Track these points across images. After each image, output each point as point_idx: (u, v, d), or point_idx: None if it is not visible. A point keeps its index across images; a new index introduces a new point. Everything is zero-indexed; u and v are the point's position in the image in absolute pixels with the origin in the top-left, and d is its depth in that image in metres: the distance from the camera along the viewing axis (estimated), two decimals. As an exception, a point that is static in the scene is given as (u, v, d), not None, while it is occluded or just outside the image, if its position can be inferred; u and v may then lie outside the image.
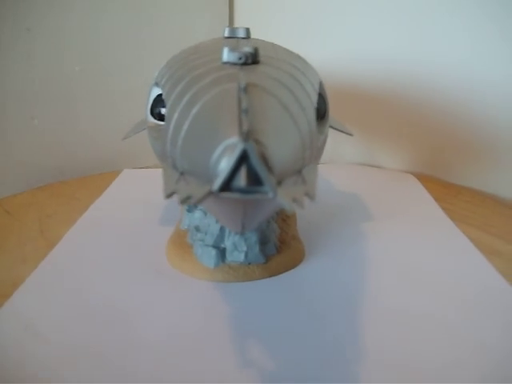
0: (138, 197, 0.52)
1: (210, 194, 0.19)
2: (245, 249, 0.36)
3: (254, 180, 0.19)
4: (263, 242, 0.37)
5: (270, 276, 0.37)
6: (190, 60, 0.30)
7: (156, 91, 0.33)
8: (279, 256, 0.38)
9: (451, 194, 0.53)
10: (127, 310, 0.32)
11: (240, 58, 0.26)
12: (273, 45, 0.36)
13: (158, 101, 0.33)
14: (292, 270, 0.37)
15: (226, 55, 0.26)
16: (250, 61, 0.26)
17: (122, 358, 0.28)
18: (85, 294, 0.34)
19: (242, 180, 0.19)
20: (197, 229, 0.39)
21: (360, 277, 0.36)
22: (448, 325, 0.31)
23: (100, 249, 0.40)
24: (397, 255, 0.39)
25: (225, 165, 0.19)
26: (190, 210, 0.42)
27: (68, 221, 0.46)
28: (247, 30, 0.38)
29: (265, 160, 0.19)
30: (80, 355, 0.28)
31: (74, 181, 0.58)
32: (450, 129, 0.57)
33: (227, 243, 0.36)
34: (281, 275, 0.37)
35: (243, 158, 0.19)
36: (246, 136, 0.19)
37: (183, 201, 0.20)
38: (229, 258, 0.36)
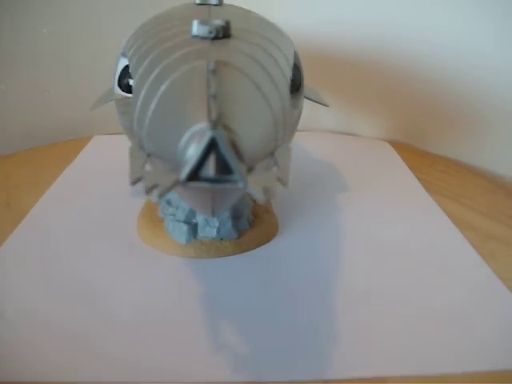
0: (109, 165, 0.50)
1: (177, 183, 0.18)
2: (217, 224, 0.35)
3: (223, 168, 0.18)
4: (236, 216, 0.36)
5: (243, 252, 0.36)
6: (159, 31, 0.28)
7: (123, 62, 0.32)
8: (252, 231, 0.37)
9: (426, 163, 0.52)
10: (98, 287, 0.32)
11: (210, 32, 0.24)
12: (246, 13, 0.34)
13: (126, 72, 0.32)
14: (265, 245, 0.37)
15: (196, 28, 0.25)
16: (221, 35, 0.24)
17: (93, 335, 0.27)
18: (54, 271, 0.33)
19: (210, 169, 0.18)
20: (168, 202, 0.38)
21: (334, 252, 0.36)
22: (421, 300, 0.31)
23: (70, 223, 0.39)
24: (372, 230, 0.39)
25: (192, 152, 0.18)
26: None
27: (36, 191, 0.44)
28: (219, -4, 0.36)
29: (235, 147, 0.18)
30: (51, 333, 0.27)
31: (43, 148, 0.56)
32: (426, 97, 0.56)
33: (199, 219, 0.36)
34: (253, 250, 0.36)
35: (212, 146, 0.18)
36: (215, 123, 0.18)
37: (148, 190, 0.19)
38: (200, 233, 0.36)
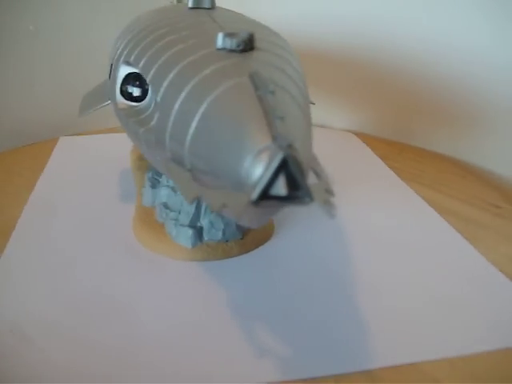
0: (84, 168, 0.50)
1: (250, 203, 0.19)
2: (222, 226, 0.36)
3: (292, 186, 0.19)
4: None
5: (247, 251, 0.37)
6: (171, 41, 0.28)
7: (126, 69, 0.32)
8: (253, 230, 0.38)
9: (395, 152, 0.55)
10: (116, 299, 0.31)
11: (239, 45, 0.24)
12: (243, 17, 0.35)
13: (129, 80, 0.32)
14: (266, 244, 0.38)
15: (222, 41, 0.25)
16: (248, 47, 0.25)
17: (123, 348, 0.27)
18: (65, 286, 0.32)
19: (282, 188, 0.19)
20: (165, 206, 0.38)
21: (331, 246, 0.38)
22: (423, 287, 0.33)
23: (64, 233, 0.38)
24: (361, 221, 0.41)
25: (260, 172, 0.19)
26: (154, 186, 0.40)
27: (16, 200, 0.43)
28: (211, 0, 0.36)
29: (299, 164, 0.19)
30: (80, 348, 0.27)
31: (8, 154, 0.53)
32: (388, 86, 0.59)
33: (204, 222, 0.36)
34: (257, 249, 0.37)
35: (282, 166, 0.18)
36: (283, 143, 0.18)
37: (218, 209, 0.19)
38: (206, 236, 0.36)
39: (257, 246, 0.37)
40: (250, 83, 0.22)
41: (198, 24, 0.30)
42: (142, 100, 0.31)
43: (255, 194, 0.19)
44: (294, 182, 0.19)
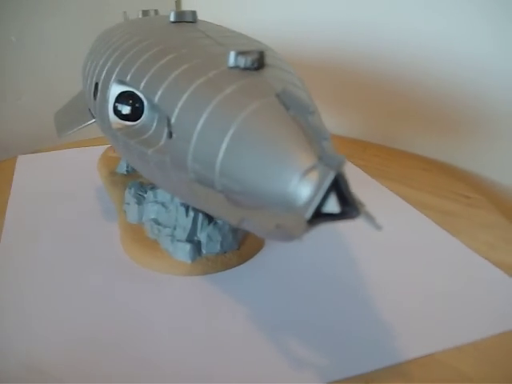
0: (52, 187, 0.48)
1: (305, 222, 0.19)
2: (220, 238, 0.36)
3: (342, 203, 0.20)
4: (234, 228, 0.37)
5: (245, 261, 0.37)
6: (174, 60, 0.28)
7: (118, 88, 0.31)
8: (248, 240, 0.38)
9: (359, 150, 0.57)
10: (125, 324, 0.31)
11: (253, 63, 0.25)
12: (231, 31, 0.35)
13: (121, 99, 0.31)
14: (260, 252, 0.38)
15: (234, 60, 0.25)
16: (260, 65, 0.25)
17: (136, 375, 0.27)
18: (69, 314, 0.31)
19: (334, 205, 0.19)
20: (156, 222, 0.38)
21: (320, 247, 0.39)
22: (421, 283, 0.35)
23: (52, 258, 0.37)
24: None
25: (311, 192, 0.19)
26: (139, 203, 0.40)
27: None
28: (194, 14, 0.36)
29: (347, 182, 0.20)
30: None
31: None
32: (347, 83, 0.61)
33: (201, 236, 0.36)
34: (252, 259, 0.38)
35: (333, 184, 0.19)
36: (333, 162, 0.19)
37: (270, 230, 0.20)
38: (205, 250, 0.36)
39: (253, 255, 0.38)
40: (278, 103, 0.22)
41: (193, 40, 0.30)
42: (136, 119, 0.31)
43: (309, 213, 0.19)
44: (342, 198, 0.20)
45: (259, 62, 0.25)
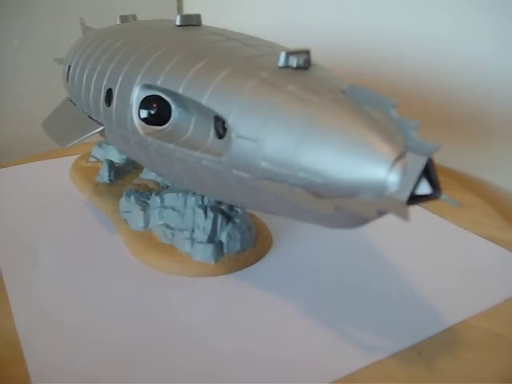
0: (30, 203, 0.46)
1: (403, 204, 0.21)
2: (239, 237, 0.37)
3: (431, 185, 0.22)
4: (249, 227, 0.38)
5: (261, 258, 0.38)
6: (212, 64, 0.28)
7: (143, 93, 0.31)
8: (260, 237, 0.39)
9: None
10: (167, 334, 0.31)
11: (305, 63, 0.26)
12: (236, 32, 0.35)
13: (147, 103, 0.31)
14: (273, 248, 0.39)
15: (284, 60, 0.26)
16: (310, 64, 0.27)
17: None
18: (111, 327, 0.31)
19: (426, 188, 0.21)
20: (167, 227, 0.38)
21: (328, 240, 0.41)
22: (428, 265, 0.38)
23: (64, 276, 0.36)
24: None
25: (404, 178, 0.21)
26: (144, 210, 0.39)
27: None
28: (199, 17, 0.36)
29: (434, 167, 0.22)
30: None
31: None
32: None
33: (222, 235, 0.36)
34: (268, 255, 0.39)
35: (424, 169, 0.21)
36: (424, 149, 0.21)
37: (376, 216, 0.21)
38: (226, 249, 0.36)
39: (267, 252, 0.39)
40: (347, 98, 0.24)
41: (218, 43, 0.31)
42: (162, 122, 0.31)
43: (406, 196, 0.21)
44: (429, 181, 0.22)
45: (309, 62, 0.26)
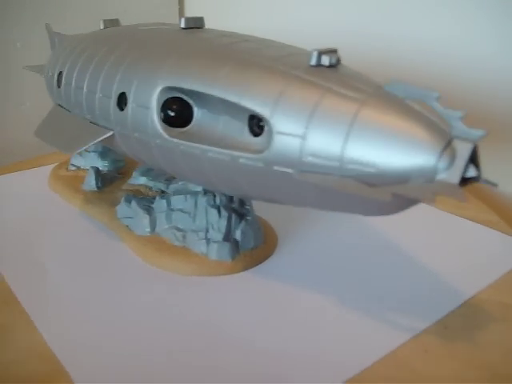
0: (21, 214, 0.45)
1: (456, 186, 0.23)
2: (252, 234, 0.38)
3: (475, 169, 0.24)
4: (258, 225, 0.39)
5: (271, 255, 0.39)
6: (240, 64, 0.29)
7: (165, 95, 0.31)
8: (267, 235, 0.40)
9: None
10: (206, 332, 0.31)
11: (338, 61, 0.28)
12: (244, 34, 0.36)
13: (168, 105, 0.32)
14: (280, 246, 0.40)
15: (317, 59, 0.27)
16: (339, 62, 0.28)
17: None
18: (144, 333, 0.31)
19: (473, 171, 0.23)
20: (177, 229, 0.38)
21: (329, 225, 0.43)
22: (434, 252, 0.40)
23: (77, 286, 0.35)
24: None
25: (454, 163, 0.23)
26: (150, 214, 0.39)
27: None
28: (202, 20, 0.37)
29: (477, 152, 0.24)
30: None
31: None
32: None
33: (236, 233, 0.37)
34: (277, 252, 0.40)
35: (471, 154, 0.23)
36: (470, 136, 0.23)
37: (433, 199, 0.23)
38: (241, 247, 0.37)
39: (275, 249, 0.40)
40: (388, 93, 0.25)
41: (234, 44, 0.31)
42: (184, 123, 0.32)
43: (457, 178, 0.23)
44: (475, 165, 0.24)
45: (340, 60, 0.28)
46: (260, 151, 0.28)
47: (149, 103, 0.32)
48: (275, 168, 0.27)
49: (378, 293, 0.34)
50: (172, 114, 0.32)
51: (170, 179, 0.45)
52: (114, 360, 0.28)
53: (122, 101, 0.34)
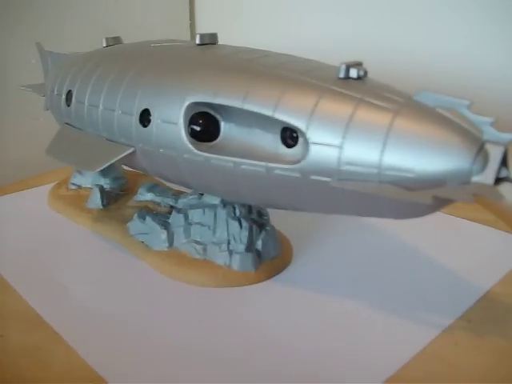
0: (25, 235, 0.45)
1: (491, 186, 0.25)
2: (272, 244, 0.39)
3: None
4: (276, 235, 0.40)
5: (289, 264, 0.40)
6: (270, 79, 0.30)
7: (192, 110, 0.32)
8: (283, 244, 0.41)
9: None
10: (248, 343, 0.32)
11: (365, 73, 0.29)
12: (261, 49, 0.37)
13: (195, 120, 0.33)
14: (295, 255, 0.41)
15: (345, 71, 0.29)
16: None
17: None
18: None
19: (505, 171, 0.25)
20: (198, 243, 0.39)
21: (342, 233, 0.44)
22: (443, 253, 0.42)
23: (103, 304, 0.35)
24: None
25: (487, 165, 0.25)
26: (168, 229, 0.40)
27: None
28: (216, 36, 0.38)
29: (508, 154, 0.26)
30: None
31: None
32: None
33: (258, 244, 0.38)
34: (294, 261, 0.41)
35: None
36: (501, 140, 0.25)
37: (472, 200, 0.25)
38: (262, 257, 0.38)
39: (292, 257, 0.41)
40: (419, 103, 0.27)
41: (256, 60, 0.33)
42: (211, 138, 0.33)
43: (491, 179, 0.25)
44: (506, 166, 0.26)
45: (367, 73, 0.30)
46: (295, 162, 0.29)
47: (176, 119, 0.32)
48: (312, 177, 0.28)
49: (397, 293, 0.36)
50: (198, 128, 0.33)
51: (177, 194, 0.46)
52: (153, 372, 0.29)
53: (144, 117, 0.34)
